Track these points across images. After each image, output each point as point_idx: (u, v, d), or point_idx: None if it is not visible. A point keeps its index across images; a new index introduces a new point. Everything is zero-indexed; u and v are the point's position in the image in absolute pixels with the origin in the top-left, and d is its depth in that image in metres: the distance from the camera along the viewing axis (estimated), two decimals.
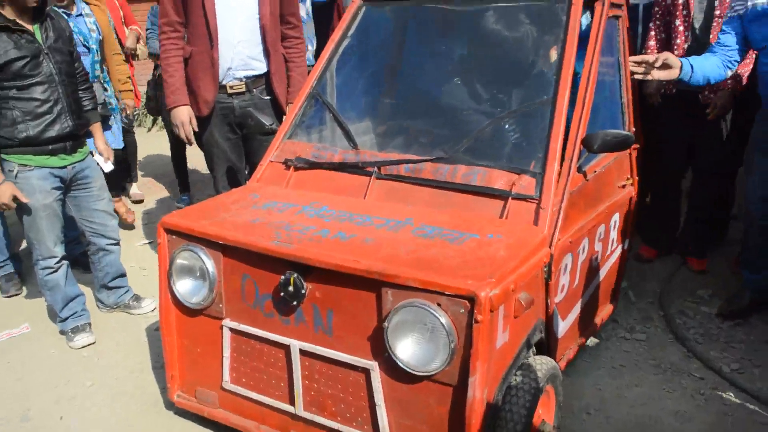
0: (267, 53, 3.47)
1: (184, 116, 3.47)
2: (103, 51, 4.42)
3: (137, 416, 2.82)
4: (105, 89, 4.42)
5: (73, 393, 3.02)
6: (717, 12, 3.45)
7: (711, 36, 3.45)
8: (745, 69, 3.42)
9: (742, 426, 2.66)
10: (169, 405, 2.83)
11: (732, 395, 2.85)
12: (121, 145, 4.67)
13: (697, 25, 3.53)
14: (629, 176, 3.12)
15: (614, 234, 3.04)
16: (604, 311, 3.20)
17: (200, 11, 3.35)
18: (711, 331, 3.34)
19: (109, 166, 3.69)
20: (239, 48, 3.42)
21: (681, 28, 3.57)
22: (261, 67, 3.50)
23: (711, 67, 3.12)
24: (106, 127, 4.29)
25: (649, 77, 3.06)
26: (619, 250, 3.18)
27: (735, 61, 3.17)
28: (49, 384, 3.10)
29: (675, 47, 3.59)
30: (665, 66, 3.02)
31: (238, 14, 3.39)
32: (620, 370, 3.03)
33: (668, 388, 2.89)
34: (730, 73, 3.20)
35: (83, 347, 3.40)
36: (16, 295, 4.06)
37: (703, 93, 3.54)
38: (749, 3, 3.05)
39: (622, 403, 2.79)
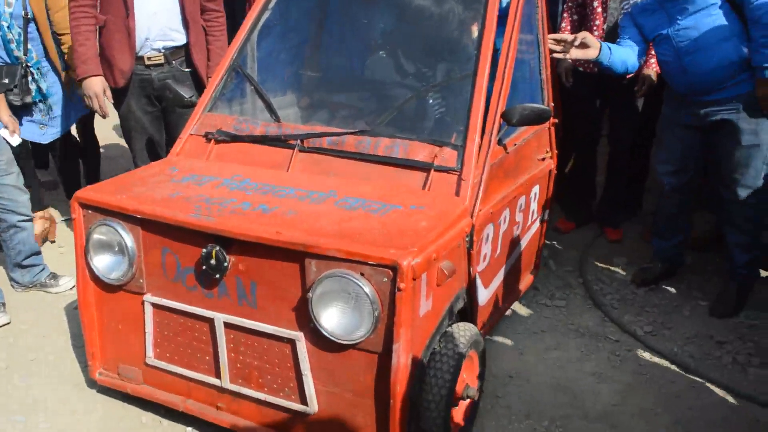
0: (186, 24, 3.38)
1: (97, 87, 3.35)
2: (36, 28, 3.98)
3: (57, 396, 2.75)
4: (28, 74, 3.91)
5: None
6: None
7: None
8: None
9: (656, 383, 2.81)
10: (91, 383, 2.76)
11: (646, 356, 3.00)
12: (48, 140, 4.05)
13: (614, 5, 3.63)
14: (548, 150, 3.21)
15: (534, 205, 3.13)
16: (526, 279, 3.30)
17: None
18: (626, 296, 3.50)
19: (16, 140, 3.52)
20: (157, 18, 3.32)
21: (599, 10, 3.67)
22: (180, 38, 3.41)
23: (627, 53, 3.22)
24: (27, 114, 3.94)
25: (567, 56, 3.13)
26: (539, 221, 3.28)
27: (640, 53, 3.28)
28: None
29: (594, 28, 3.69)
30: (583, 45, 3.10)
31: None
32: (541, 335, 3.14)
33: (586, 350, 3.02)
34: (640, 62, 3.32)
35: None
36: None
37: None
38: (631, 0, 3.18)
39: (542, 366, 2.90)
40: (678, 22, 3.03)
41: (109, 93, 3.40)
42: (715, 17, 2.95)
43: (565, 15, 3.85)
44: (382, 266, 1.95)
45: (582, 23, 3.79)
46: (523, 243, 3.10)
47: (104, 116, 3.48)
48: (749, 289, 3.30)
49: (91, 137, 4.57)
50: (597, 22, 3.69)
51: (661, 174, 3.44)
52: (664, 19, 3.08)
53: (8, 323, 3.30)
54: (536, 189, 3.09)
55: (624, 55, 3.20)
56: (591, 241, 4.11)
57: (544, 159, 3.15)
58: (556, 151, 3.30)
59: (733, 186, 3.12)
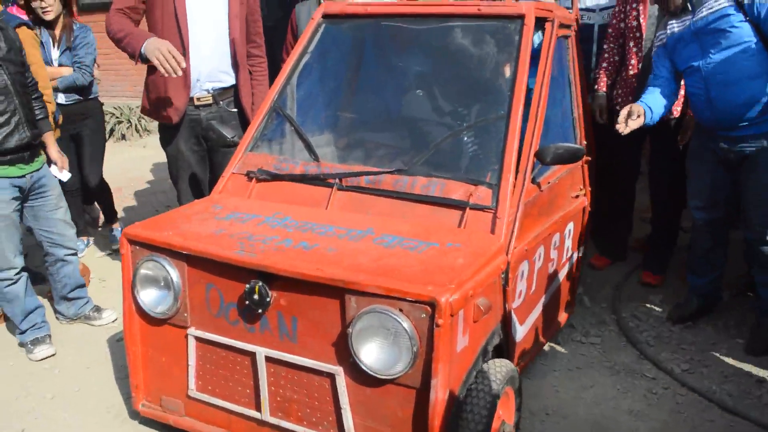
0: (236, 66, 3.52)
1: (160, 43, 3.11)
2: None
3: (100, 427, 2.82)
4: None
5: (33, 405, 3.00)
6: None
7: None
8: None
9: (693, 423, 2.78)
10: (134, 415, 2.83)
11: (683, 394, 2.97)
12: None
13: (649, 45, 3.69)
14: (582, 187, 3.24)
15: (569, 242, 3.16)
16: (562, 316, 3.31)
17: (173, 22, 3.36)
18: (662, 334, 3.48)
19: (65, 175, 3.67)
20: (208, 61, 3.46)
21: (635, 50, 3.74)
22: (228, 80, 3.55)
23: (662, 100, 3.27)
24: None
25: (628, 129, 3.18)
26: (574, 258, 3.30)
27: (674, 91, 3.33)
28: (8, 397, 3.07)
29: (630, 67, 3.75)
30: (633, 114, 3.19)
31: (209, 27, 3.44)
32: (576, 372, 3.14)
33: (622, 388, 3.01)
34: (671, 99, 3.35)
35: (43, 359, 3.37)
36: None
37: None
38: (668, 30, 3.23)
39: (578, 404, 2.90)
40: (710, 55, 3.06)
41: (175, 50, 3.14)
42: (748, 54, 2.98)
43: (605, 56, 3.90)
44: (421, 302, 2.00)
45: (623, 62, 3.85)
46: (558, 280, 3.12)
47: (179, 71, 3.12)
48: None
49: (98, 183, 4.75)
50: (632, 62, 3.75)
51: (693, 208, 3.45)
52: (697, 51, 3.12)
53: (53, 354, 3.41)
54: (570, 226, 3.12)
55: (660, 104, 3.25)
56: (626, 278, 4.10)
57: (578, 196, 3.18)
58: (589, 188, 3.33)
59: (754, 225, 3.11)
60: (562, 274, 3.17)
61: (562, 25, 2.98)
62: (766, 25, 2.91)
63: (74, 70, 4.36)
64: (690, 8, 3.14)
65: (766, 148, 3.02)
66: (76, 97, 4.44)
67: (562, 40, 3.10)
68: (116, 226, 4.98)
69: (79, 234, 4.28)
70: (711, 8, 3.03)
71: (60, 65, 4.35)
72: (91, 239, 4.99)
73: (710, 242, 3.44)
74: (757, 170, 3.06)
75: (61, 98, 4.36)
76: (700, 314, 3.57)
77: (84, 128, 4.53)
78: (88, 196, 4.93)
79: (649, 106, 3.21)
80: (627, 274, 4.15)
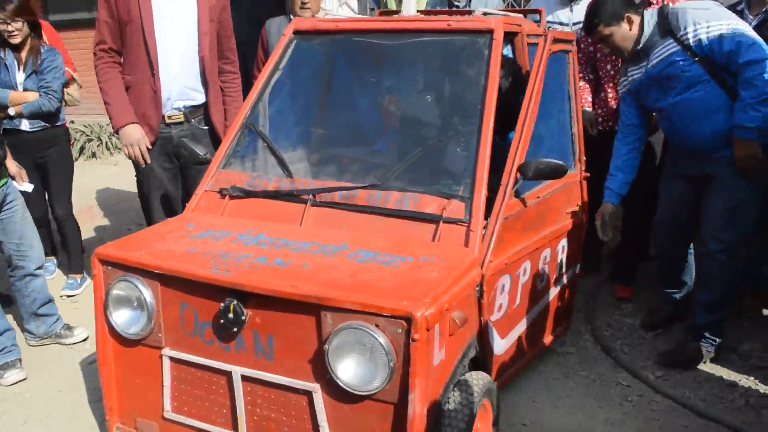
0: (206, 84, 3.52)
1: (136, 133, 3.43)
2: None
3: None
4: None
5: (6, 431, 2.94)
6: None
7: None
8: None
9: (668, 429, 2.82)
10: None
11: (657, 401, 3.01)
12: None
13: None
14: (579, 203, 3.25)
15: (562, 258, 3.16)
16: (555, 331, 3.30)
17: (140, 41, 3.38)
18: (635, 342, 3.53)
19: (28, 186, 3.69)
20: (178, 79, 3.46)
21: (612, 72, 3.81)
22: (199, 98, 3.55)
23: (628, 165, 3.40)
24: None
25: (604, 238, 3.41)
26: (569, 274, 3.30)
27: (642, 137, 3.42)
28: None
29: (609, 88, 3.83)
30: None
31: (177, 46, 3.44)
32: (553, 382, 3.16)
33: (598, 397, 3.04)
34: (640, 149, 3.43)
35: (14, 384, 3.31)
36: None
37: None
38: (629, 77, 3.31)
39: (556, 414, 2.92)
40: (671, 97, 3.14)
41: (147, 140, 3.45)
42: (705, 92, 3.04)
43: (581, 74, 3.96)
44: (397, 317, 2.00)
45: (599, 81, 3.91)
46: (550, 295, 3.12)
47: (145, 164, 3.51)
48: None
49: (68, 213, 4.47)
50: (611, 84, 3.83)
51: (656, 221, 3.49)
52: (659, 93, 3.19)
53: (24, 379, 3.34)
54: (564, 242, 3.12)
55: (628, 171, 3.40)
56: (598, 287, 4.15)
57: (574, 212, 3.19)
58: (587, 205, 3.33)
59: (704, 237, 3.16)
60: (555, 291, 3.17)
61: (557, 41, 3.01)
62: (720, 57, 2.96)
63: (40, 95, 4.08)
64: (642, 56, 3.22)
65: (729, 166, 3.07)
66: (42, 123, 4.19)
67: (561, 55, 3.12)
68: (78, 277, 4.50)
69: (47, 253, 4.20)
70: (659, 56, 3.12)
71: (25, 90, 4.09)
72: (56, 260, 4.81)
73: (672, 255, 3.49)
74: (719, 186, 3.12)
75: (26, 125, 4.14)
76: (672, 321, 3.62)
77: (50, 157, 4.27)
78: (59, 229, 4.52)
79: (618, 192, 3.38)
80: (599, 284, 4.20)
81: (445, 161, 2.73)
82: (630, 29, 3.17)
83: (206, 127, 3.59)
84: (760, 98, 2.87)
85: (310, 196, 2.69)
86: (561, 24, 4.05)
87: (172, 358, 2.44)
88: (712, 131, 3.06)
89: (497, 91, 2.64)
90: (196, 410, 2.45)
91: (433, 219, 2.49)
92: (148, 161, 3.50)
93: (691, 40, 3.00)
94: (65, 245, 4.49)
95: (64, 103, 4.45)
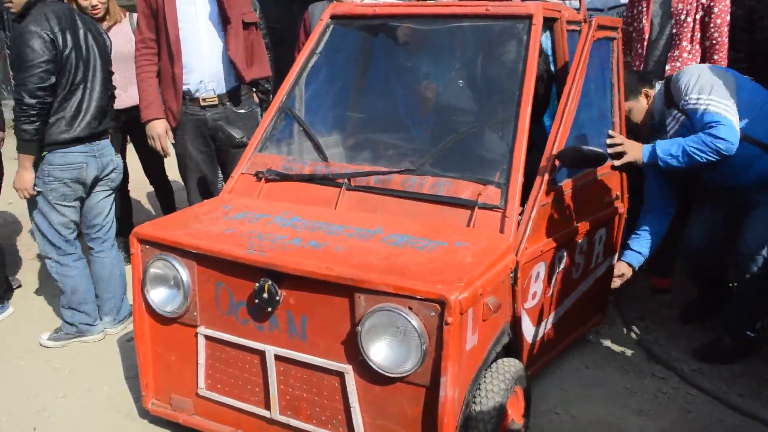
0: (237, 66, 3.53)
1: (159, 129, 3.56)
2: None
3: (111, 426, 2.84)
4: None
5: (45, 405, 3.01)
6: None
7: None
8: None
9: (703, 423, 2.78)
10: (144, 413, 2.85)
11: (692, 394, 2.97)
12: None
13: (653, 47, 3.70)
14: (618, 193, 3.20)
15: (600, 248, 3.13)
16: (590, 320, 3.28)
17: (163, 26, 3.43)
18: (672, 333, 3.47)
19: None
20: (208, 61, 3.49)
21: (640, 51, 3.76)
22: (232, 81, 3.56)
23: (655, 234, 3.36)
24: None
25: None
26: (606, 264, 3.27)
27: (671, 211, 3.38)
28: (19, 396, 3.09)
29: (635, 69, 3.77)
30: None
31: (206, 28, 3.47)
32: (585, 371, 3.14)
33: (631, 388, 3.00)
34: (669, 219, 3.40)
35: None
36: None
37: None
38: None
39: (587, 403, 2.89)
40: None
41: (170, 134, 3.60)
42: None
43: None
44: (430, 300, 2.01)
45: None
46: (585, 285, 3.09)
47: (165, 156, 3.70)
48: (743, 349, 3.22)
49: (162, 179, 4.71)
50: (637, 63, 3.76)
51: (688, 248, 3.44)
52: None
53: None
54: (602, 232, 3.09)
55: (651, 243, 3.35)
56: (635, 277, 4.08)
57: (612, 202, 3.15)
58: (627, 195, 3.28)
59: (747, 241, 3.06)
60: (590, 280, 3.14)
61: (603, 27, 2.95)
62: (698, 125, 2.90)
63: None
64: (660, 128, 3.20)
65: None
66: None
67: (605, 42, 3.07)
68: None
69: None
70: (672, 129, 3.10)
71: None
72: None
73: (704, 263, 3.43)
74: (761, 207, 3.07)
75: None
76: (709, 314, 3.56)
77: None
78: None
79: (638, 254, 3.35)
80: (635, 273, 4.13)
81: (481, 147, 2.72)
82: (647, 103, 3.21)
83: (241, 111, 3.61)
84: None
85: (345, 180, 2.70)
86: (596, 10, 3.99)
87: (207, 337, 2.49)
88: (756, 177, 3.02)
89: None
90: (229, 388, 2.49)
91: (468, 204, 2.48)
92: (168, 154, 3.68)
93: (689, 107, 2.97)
94: None
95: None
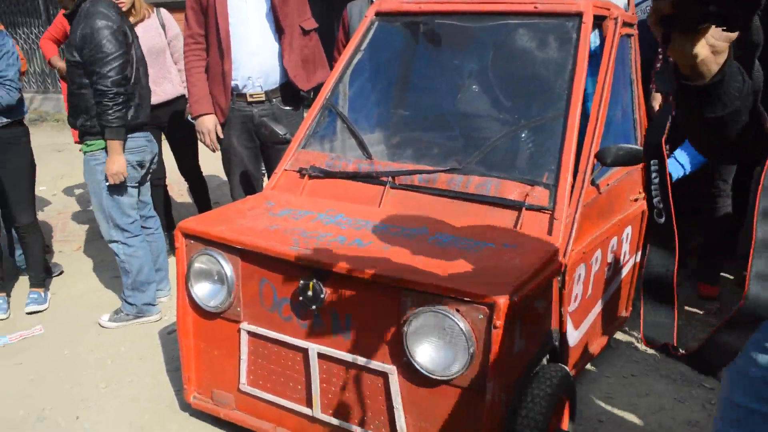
0: (288, 63, 3.53)
1: (209, 124, 3.59)
2: None
3: (152, 418, 2.86)
4: None
5: (87, 395, 3.05)
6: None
7: None
8: None
9: None
10: (185, 407, 2.86)
11: None
12: None
13: None
14: (641, 190, 3.16)
15: (627, 246, 3.08)
16: (617, 321, 3.23)
17: (213, 22, 3.43)
18: None
19: None
20: (257, 57, 3.49)
21: None
22: (281, 76, 3.56)
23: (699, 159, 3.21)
24: None
25: None
26: (631, 262, 3.21)
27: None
28: (62, 385, 3.13)
29: None
30: None
31: (255, 25, 3.46)
32: (630, 379, 3.06)
33: (679, 397, 2.93)
34: None
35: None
36: None
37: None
38: None
39: (633, 412, 2.82)
40: None
41: (219, 129, 3.63)
42: None
43: (659, 56, 3.83)
44: (479, 303, 1.97)
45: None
46: (615, 284, 3.05)
47: (214, 151, 3.72)
48: None
49: (196, 174, 4.71)
50: None
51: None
52: None
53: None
54: (629, 230, 3.05)
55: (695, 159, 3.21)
56: (679, 284, 3.98)
57: (637, 199, 3.10)
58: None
59: None
60: (619, 279, 3.09)
61: (624, 24, 2.91)
62: None
63: None
64: None
65: None
66: (2, 119, 3.71)
67: (624, 38, 3.02)
68: (39, 290, 3.99)
69: (32, 283, 3.97)
70: None
71: None
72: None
73: None
74: None
75: None
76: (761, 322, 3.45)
77: (9, 161, 3.79)
78: (20, 239, 4.07)
79: (682, 165, 3.19)
80: (681, 280, 4.03)
81: (528, 147, 2.66)
82: None
83: (288, 108, 3.61)
84: None
85: (390, 179, 2.68)
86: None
87: (249, 333, 2.48)
88: None
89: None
90: (271, 384, 2.49)
91: (515, 205, 2.44)
92: (217, 150, 3.69)
93: None
94: (27, 258, 4.03)
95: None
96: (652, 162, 1.81)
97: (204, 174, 4.77)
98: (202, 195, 4.77)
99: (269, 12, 3.51)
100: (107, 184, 3.43)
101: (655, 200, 1.82)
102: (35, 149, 4.07)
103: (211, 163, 5.35)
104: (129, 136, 3.43)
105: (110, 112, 3.28)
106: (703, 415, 2.81)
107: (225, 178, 3.96)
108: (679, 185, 3.28)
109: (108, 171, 3.38)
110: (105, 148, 3.39)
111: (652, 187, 1.83)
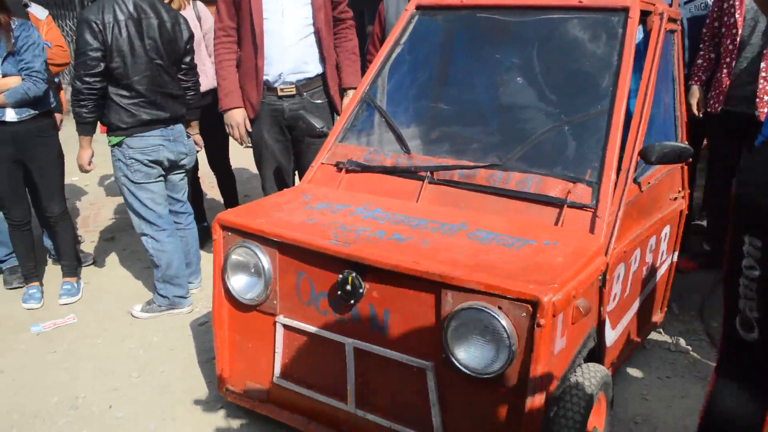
0: (322, 57, 3.52)
1: (238, 118, 3.59)
2: None
3: (184, 409, 2.87)
4: None
5: (120, 384, 3.07)
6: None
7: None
8: None
9: None
10: (216, 398, 2.87)
11: None
12: None
13: (745, 45, 3.53)
14: (680, 189, 3.11)
15: (664, 245, 3.04)
16: (652, 322, 3.19)
17: (248, 16, 3.42)
18: None
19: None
20: (291, 52, 3.48)
21: (730, 47, 3.58)
22: (312, 70, 3.56)
23: None
24: None
25: None
26: (668, 262, 3.17)
27: None
28: (95, 375, 3.16)
29: (724, 66, 3.60)
30: None
31: (290, 19, 3.46)
32: (666, 381, 3.02)
33: None
34: None
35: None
36: (19, 287, 4.06)
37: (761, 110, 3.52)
38: None
39: (669, 414, 2.78)
40: None
41: (248, 123, 3.62)
42: None
43: (701, 53, 3.78)
44: (522, 301, 1.94)
45: (718, 60, 3.70)
46: (651, 284, 3.01)
47: (242, 144, 3.72)
48: None
49: (226, 168, 4.73)
50: (728, 60, 3.60)
51: None
52: None
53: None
54: (667, 229, 3.00)
55: None
56: (715, 285, 3.92)
57: (676, 198, 3.05)
58: (688, 191, 3.20)
59: None
60: (656, 279, 3.05)
61: (669, 20, 2.86)
62: None
63: (23, 79, 3.59)
64: None
65: None
66: (31, 111, 3.68)
67: (668, 35, 2.97)
68: (73, 280, 4.03)
69: (28, 279, 3.99)
70: None
71: (4, 75, 3.58)
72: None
73: None
74: None
75: (11, 114, 3.62)
76: None
77: (36, 154, 3.78)
78: (51, 229, 4.10)
79: None
80: (717, 281, 3.96)
81: (571, 143, 2.62)
82: None
83: (319, 101, 3.60)
84: None
85: (428, 174, 2.65)
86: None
87: (285, 326, 2.48)
88: None
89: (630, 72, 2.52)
90: (305, 378, 2.48)
91: (556, 203, 2.40)
92: (246, 143, 3.68)
93: None
94: (59, 248, 4.07)
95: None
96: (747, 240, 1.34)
97: (233, 167, 4.79)
98: (230, 189, 4.79)
99: (304, 5, 3.49)
100: (123, 177, 3.47)
101: (743, 306, 1.32)
102: (69, 139, 4.10)
103: (240, 156, 5.38)
104: (137, 135, 3.41)
105: (74, 106, 3.27)
106: None
107: (255, 171, 3.98)
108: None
109: (77, 161, 3.46)
110: (119, 144, 3.42)
111: (741, 286, 1.33)
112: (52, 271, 4.27)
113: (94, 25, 3.22)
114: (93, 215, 5.56)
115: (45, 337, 3.53)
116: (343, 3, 3.66)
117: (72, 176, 6.23)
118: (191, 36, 3.59)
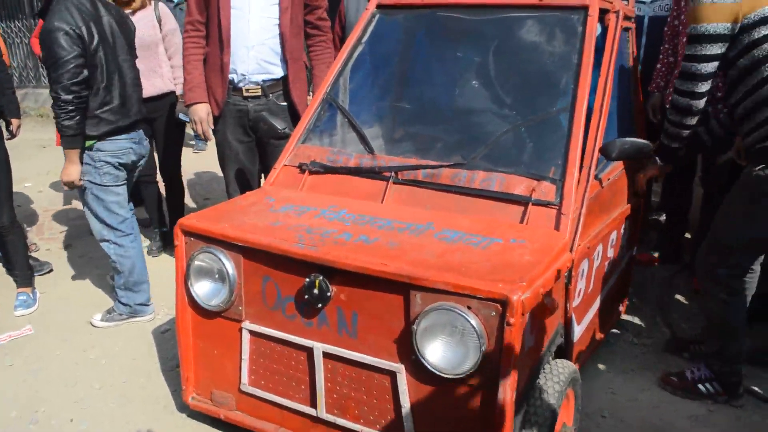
0: (285, 60, 3.48)
1: (202, 113, 3.55)
2: None
3: (148, 419, 2.80)
4: None
5: (81, 395, 2.99)
6: None
7: None
8: None
9: (756, 428, 2.69)
10: (182, 407, 2.81)
11: (743, 399, 2.88)
12: None
13: None
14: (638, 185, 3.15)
15: (624, 240, 3.08)
16: (614, 316, 3.23)
17: (215, 13, 3.37)
18: None
19: None
20: (254, 52, 3.43)
21: None
22: (278, 72, 3.50)
23: None
24: None
25: None
26: (627, 257, 3.22)
27: None
28: (56, 386, 3.06)
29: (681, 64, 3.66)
30: None
31: (255, 19, 3.40)
32: (631, 374, 3.06)
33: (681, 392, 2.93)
34: None
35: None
36: None
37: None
38: None
39: (635, 407, 2.82)
40: None
41: (211, 119, 3.58)
42: None
43: (661, 57, 3.82)
44: (491, 300, 1.94)
45: (676, 62, 3.76)
46: (613, 279, 3.04)
47: (206, 140, 3.68)
48: None
49: (176, 176, 4.60)
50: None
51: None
52: None
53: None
54: (626, 224, 3.04)
55: None
56: (672, 278, 4.00)
57: (635, 194, 3.09)
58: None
59: None
60: (617, 274, 3.09)
61: (625, 17, 2.89)
62: None
63: None
64: None
65: None
66: None
67: (624, 32, 3.01)
68: (27, 290, 3.91)
69: (19, 283, 3.91)
70: None
71: None
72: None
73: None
74: None
75: None
76: (756, 318, 3.46)
77: None
78: None
79: None
80: (674, 274, 4.04)
81: (534, 141, 2.64)
82: None
83: (284, 104, 3.56)
84: None
85: (393, 174, 2.64)
86: (638, 2, 3.90)
87: (252, 332, 2.44)
88: None
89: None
90: (273, 384, 2.44)
91: (521, 201, 2.41)
92: (210, 138, 3.66)
93: None
94: (10, 259, 3.94)
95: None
96: None
97: (196, 170, 4.69)
98: (177, 197, 4.64)
99: (270, 5, 3.45)
100: (88, 182, 3.36)
101: None
102: (19, 145, 3.97)
103: (203, 158, 5.29)
104: (111, 138, 3.34)
105: (62, 120, 3.14)
106: (704, 409, 2.81)
107: (216, 173, 3.91)
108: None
109: (61, 179, 3.32)
110: (90, 147, 3.32)
111: None
112: (8, 282, 4.13)
113: (72, 31, 3.10)
114: (48, 222, 5.41)
115: (0, 350, 3.41)
116: (321, 9, 3.61)
117: (24, 182, 6.07)
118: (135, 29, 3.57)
